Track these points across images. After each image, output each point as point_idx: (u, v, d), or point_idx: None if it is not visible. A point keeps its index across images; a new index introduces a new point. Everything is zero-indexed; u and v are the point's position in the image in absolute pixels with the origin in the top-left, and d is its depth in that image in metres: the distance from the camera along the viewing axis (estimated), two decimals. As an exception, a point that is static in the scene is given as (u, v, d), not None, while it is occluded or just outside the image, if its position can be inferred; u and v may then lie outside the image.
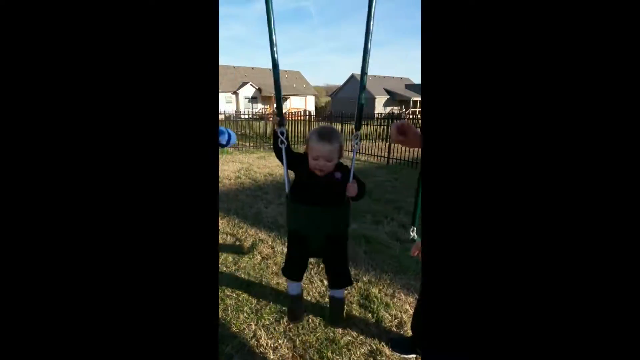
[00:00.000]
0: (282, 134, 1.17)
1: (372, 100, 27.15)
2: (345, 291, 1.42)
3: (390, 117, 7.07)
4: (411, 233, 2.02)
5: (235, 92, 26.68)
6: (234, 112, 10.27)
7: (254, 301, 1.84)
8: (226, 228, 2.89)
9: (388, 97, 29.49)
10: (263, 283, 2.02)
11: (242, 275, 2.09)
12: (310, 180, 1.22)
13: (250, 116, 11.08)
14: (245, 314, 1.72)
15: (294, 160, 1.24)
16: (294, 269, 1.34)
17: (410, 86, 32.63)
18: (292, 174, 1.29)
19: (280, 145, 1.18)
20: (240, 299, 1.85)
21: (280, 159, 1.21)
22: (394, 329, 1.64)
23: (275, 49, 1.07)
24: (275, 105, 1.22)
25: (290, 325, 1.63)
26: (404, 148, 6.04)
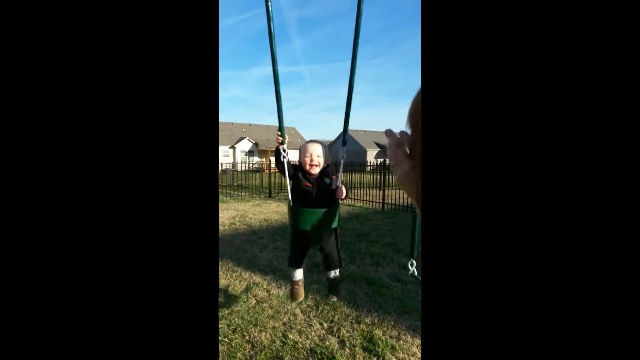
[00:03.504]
0: (284, 150, 1.49)
1: (364, 152, 28.16)
2: (335, 273, 1.67)
3: (382, 166, 7.32)
4: (410, 267, 1.95)
5: (232, 147, 27.55)
6: (230, 164, 10.42)
7: (248, 347, 1.68)
8: (219, 272, 2.76)
9: (379, 149, 30.71)
10: (258, 327, 1.87)
11: (236, 320, 1.94)
12: (305, 185, 1.55)
13: (247, 168, 11.04)
14: (238, 361, 1.56)
15: (292, 169, 1.56)
16: (297, 260, 1.61)
17: (400, 140, 34.14)
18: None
19: (282, 160, 1.49)
20: (233, 344, 1.70)
21: (282, 170, 1.51)
22: (402, 374, 1.49)
23: (276, 66, 1.33)
24: (278, 128, 1.50)
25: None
26: (398, 194, 6.10)
